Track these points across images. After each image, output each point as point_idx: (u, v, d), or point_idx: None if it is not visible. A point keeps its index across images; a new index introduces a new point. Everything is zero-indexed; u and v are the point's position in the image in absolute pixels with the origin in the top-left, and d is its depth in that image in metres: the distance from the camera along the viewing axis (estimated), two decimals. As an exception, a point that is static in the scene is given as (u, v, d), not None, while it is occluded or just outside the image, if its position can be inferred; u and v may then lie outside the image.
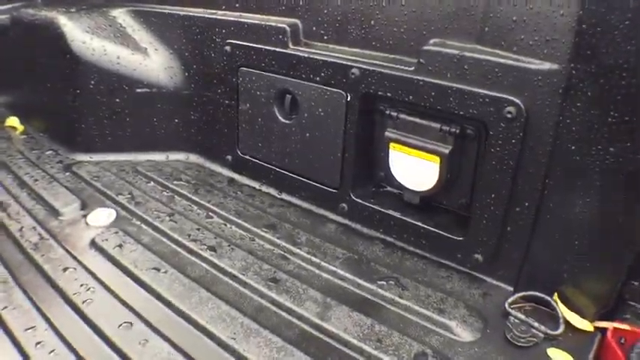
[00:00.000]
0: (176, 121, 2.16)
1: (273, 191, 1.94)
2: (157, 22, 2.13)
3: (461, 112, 1.34)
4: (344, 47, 1.64)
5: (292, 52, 1.69)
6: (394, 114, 1.50)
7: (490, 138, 1.32)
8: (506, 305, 1.30)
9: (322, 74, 1.62)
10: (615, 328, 1.22)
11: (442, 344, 1.24)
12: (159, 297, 1.41)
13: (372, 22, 1.55)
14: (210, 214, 1.82)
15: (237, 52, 1.85)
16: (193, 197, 1.91)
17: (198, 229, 1.70)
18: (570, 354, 1.18)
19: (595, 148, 1.13)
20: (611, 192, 1.15)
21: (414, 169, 1.50)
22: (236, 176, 2.06)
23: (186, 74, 2.09)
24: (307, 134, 1.73)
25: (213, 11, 1.95)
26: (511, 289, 1.39)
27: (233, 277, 1.49)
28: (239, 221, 1.76)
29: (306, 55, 1.65)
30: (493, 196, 1.35)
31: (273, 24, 1.73)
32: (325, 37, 1.68)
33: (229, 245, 1.62)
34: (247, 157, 1.98)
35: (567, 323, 1.25)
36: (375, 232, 1.67)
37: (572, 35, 1.12)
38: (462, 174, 1.46)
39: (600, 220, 1.18)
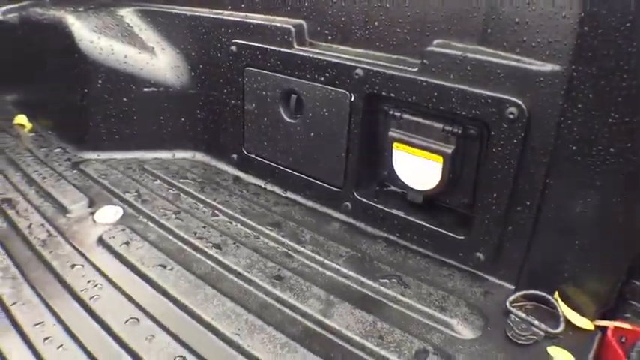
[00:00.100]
0: (182, 120, 2.17)
1: (278, 190, 1.95)
2: (164, 21, 2.13)
3: (463, 113, 1.35)
4: (348, 47, 1.64)
5: (297, 53, 1.69)
6: (398, 114, 1.51)
7: (492, 138, 1.32)
8: (508, 303, 1.30)
9: (327, 74, 1.62)
10: (616, 327, 1.23)
11: (443, 341, 1.25)
12: (165, 293, 1.42)
13: (376, 23, 1.55)
14: (215, 212, 1.82)
15: (243, 52, 1.85)
16: (199, 195, 1.91)
17: (204, 227, 1.71)
18: (570, 352, 1.18)
19: (596, 149, 1.13)
20: (611, 192, 1.15)
21: (417, 168, 1.50)
22: (241, 175, 2.07)
23: (193, 74, 2.09)
24: (312, 134, 1.74)
25: (219, 11, 1.95)
26: (512, 287, 1.40)
27: (238, 275, 1.50)
28: (244, 219, 1.76)
29: (310, 56, 1.65)
30: (495, 195, 1.36)
31: (278, 24, 1.74)
32: (330, 38, 1.68)
33: (234, 243, 1.63)
34: (253, 155, 1.99)
35: (568, 322, 1.25)
36: (379, 231, 1.67)
37: (574, 37, 1.13)
38: (464, 174, 1.46)
39: (601, 220, 1.19)
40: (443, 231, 1.51)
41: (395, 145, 1.53)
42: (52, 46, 2.28)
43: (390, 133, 1.54)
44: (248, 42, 1.83)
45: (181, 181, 2.02)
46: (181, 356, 1.22)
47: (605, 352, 1.22)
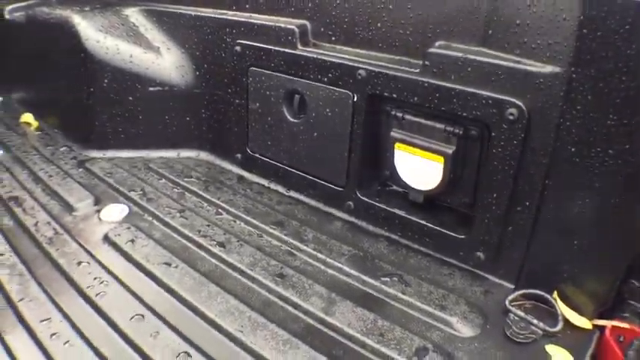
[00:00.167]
0: (187, 119, 2.18)
1: (281, 189, 1.96)
2: (169, 21, 2.14)
3: (464, 114, 1.36)
4: (351, 48, 1.65)
5: (301, 53, 1.70)
6: (400, 114, 1.51)
7: (492, 139, 1.33)
8: (507, 302, 1.31)
9: (330, 75, 1.63)
10: (614, 326, 1.23)
11: (443, 339, 1.26)
12: (170, 291, 1.43)
13: (379, 24, 1.56)
14: (219, 210, 1.83)
15: (247, 52, 1.86)
16: (203, 194, 1.92)
17: (208, 226, 1.72)
18: (569, 351, 1.19)
19: (594, 150, 1.14)
20: (610, 193, 1.16)
21: (419, 168, 1.51)
22: (245, 174, 2.08)
23: (198, 73, 2.10)
24: (315, 133, 1.75)
25: (224, 12, 1.97)
26: (512, 286, 1.41)
27: (241, 272, 1.51)
28: (248, 218, 1.77)
29: (314, 56, 1.66)
30: (495, 195, 1.36)
31: (282, 25, 1.75)
32: (333, 38, 1.69)
33: (238, 241, 1.64)
34: (256, 155, 2.00)
35: (566, 321, 1.26)
36: (380, 230, 1.68)
37: (574, 39, 1.14)
38: (465, 174, 1.46)
39: (599, 221, 1.20)
40: (444, 230, 1.52)
41: (397, 145, 1.54)
42: (58, 45, 2.29)
43: (392, 134, 1.55)
44: (252, 42, 1.84)
45: (186, 179, 2.03)
46: (185, 352, 1.23)
47: (603, 351, 1.22)
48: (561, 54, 1.20)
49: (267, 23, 1.80)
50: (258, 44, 1.83)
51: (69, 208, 1.83)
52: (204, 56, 2.07)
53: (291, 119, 1.81)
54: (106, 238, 1.66)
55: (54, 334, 1.29)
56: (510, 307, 1.30)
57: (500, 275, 1.44)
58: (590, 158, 1.16)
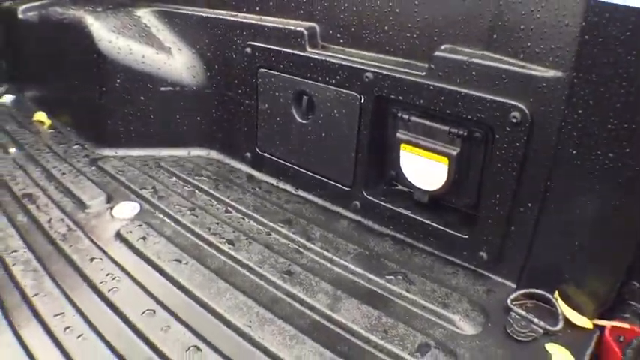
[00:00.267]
0: (198, 118, 2.19)
1: (289, 188, 1.97)
2: (181, 22, 2.16)
3: (469, 116, 1.37)
4: (359, 51, 1.66)
5: (309, 55, 1.71)
6: (405, 116, 1.53)
7: (496, 141, 1.34)
8: (509, 301, 1.32)
9: (338, 77, 1.65)
10: (613, 326, 1.25)
11: (445, 336, 1.27)
12: (180, 286, 1.45)
13: (386, 28, 1.57)
14: (229, 209, 1.85)
15: (257, 53, 1.88)
16: (213, 192, 1.93)
17: (218, 223, 1.73)
18: (568, 349, 1.21)
19: (595, 154, 1.15)
20: (610, 195, 1.17)
21: (424, 169, 1.53)
22: (255, 173, 2.09)
23: (208, 74, 2.12)
24: (323, 134, 1.76)
25: (235, 13, 1.98)
26: (514, 286, 1.42)
27: (250, 269, 1.52)
28: (257, 216, 1.78)
29: (322, 58, 1.68)
30: (498, 196, 1.38)
31: (292, 27, 1.76)
32: (341, 41, 1.71)
33: (247, 239, 1.65)
34: (266, 154, 2.01)
35: (567, 320, 1.27)
36: (386, 229, 1.69)
37: (576, 45, 1.15)
38: (469, 175, 1.48)
39: (600, 222, 1.21)
40: (448, 230, 1.53)
41: (402, 146, 1.56)
42: (71, 45, 2.30)
43: (398, 135, 1.56)
44: (262, 44, 1.86)
45: (196, 178, 2.04)
46: (195, 346, 1.24)
47: (602, 350, 1.24)
48: (564, 59, 1.21)
49: (276, 25, 1.81)
50: (267, 46, 1.84)
51: (82, 205, 1.84)
52: (214, 57, 2.08)
53: (300, 120, 1.82)
54: (118, 235, 1.67)
55: (68, 327, 1.30)
56: (512, 306, 1.31)
57: (503, 274, 1.45)
58: (591, 161, 1.17)
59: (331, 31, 1.73)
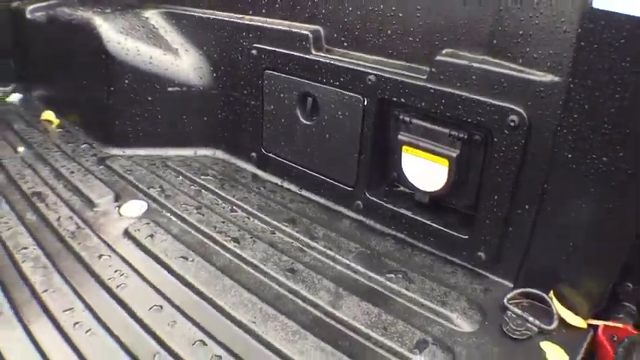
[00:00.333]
0: (204, 118, 2.20)
1: (294, 188, 1.99)
2: (188, 24, 2.16)
3: (468, 119, 1.38)
4: (362, 54, 1.67)
5: (314, 58, 1.72)
6: (407, 119, 1.54)
7: (495, 144, 1.36)
8: (505, 300, 1.34)
9: (341, 79, 1.66)
10: (606, 326, 1.26)
11: (443, 333, 1.29)
12: (186, 283, 1.46)
13: (389, 32, 1.58)
14: (234, 207, 1.86)
15: (263, 55, 1.89)
16: (219, 192, 1.95)
17: (223, 222, 1.75)
18: (562, 348, 1.22)
19: (590, 157, 1.16)
20: (604, 198, 1.18)
21: (425, 170, 1.54)
22: (260, 172, 2.10)
23: (215, 75, 2.13)
24: (327, 135, 1.78)
25: (241, 16, 1.99)
26: (511, 285, 1.44)
27: (254, 267, 1.54)
28: (261, 215, 1.80)
29: (326, 61, 1.69)
30: (496, 198, 1.39)
31: (297, 30, 1.77)
32: (345, 44, 1.72)
33: (252, 237, 1.67)
34: (271, 154, 2.02)
35: (562, 319, 1.29)
36: (387, 229, 1.71)
37: (573, 50, 1.16)
38: (468, 176, 1.49)
39: (594, 225, 1.22)
40: (447, 230, 1.54)
41: (404, 148, 1.56)
42: (79, 46, 2.31)
43: (400, 137, 1.57)
44: (268, 46, 1.87)
45: (202, 177, 2.05)
46: (201, 341, 1.26)
47: (596, 349, 1.26)
48: (561, 64, 1.23)
49: (282, 28, 1.82)
50: (273, 48, 1.85)
51: (90, 203, 1.85)
52: (221, 58, 2.09)
53: (304, 121, 1.84)
54: (126, 233, 1.68)
55: (77, 323, 1.32)
56: (508, 305, 1.33)
57: (500, 274, 1.47)
58: (586, 165, 1.18)
59: (335, 35, 1.74)
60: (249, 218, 1.81)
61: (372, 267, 1.53)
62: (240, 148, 2.17)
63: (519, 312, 1.31)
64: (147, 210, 1.84)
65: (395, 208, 1.67)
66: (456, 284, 1.47)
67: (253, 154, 2.11)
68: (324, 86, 1.73)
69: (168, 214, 1.82)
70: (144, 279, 1.49)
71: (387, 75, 1.54)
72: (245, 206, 1.86)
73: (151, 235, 1.67)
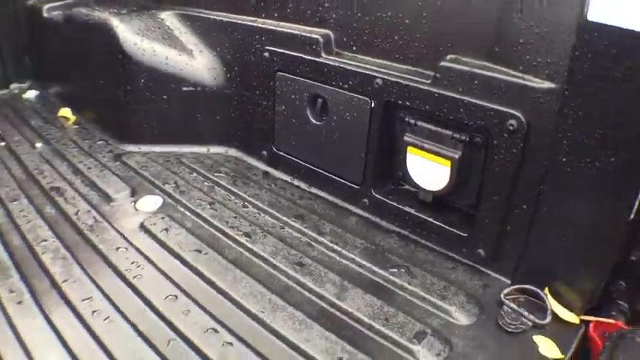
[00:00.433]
0: (217, 117, 2.22)
1: (303, 185, 2.01)
2: (202, 26, 2.18)
3: (470, 123, 1.42)
4: (370, 58, 1.69)
5: (324, 61, 1.74)
6: (412, 121, 1.56)
7: (494, 147, 1.39)
8: (502, 296, 1.37)
9: (350, 82, 1.68)
10: (598, 322, 1.29)
11: (441, 326, 1.33)
12: (200, 275, 1.51)
13: (396, 37, 1.60)
14: (246, 203, 1.89)
15: (275, 58, 1.91)
16: (231, 188, 1.97)
17: (235, 217, 1.78)
18: (554, 341, 1.26)
19: (583, 161, 1.19)
20: (597, 200, 1.21)
21: (428, 170, 1.56)
22: (270, 170, 2.12)
23: (228, 75, 2.14)
24: (335, 135, 1.80)
25: (254, 19, 2.00)
26: (509, 282, 1.46)
27: (264, 260, 1.58)
28: (272, 211, 1.83)
29: (336, 64, 1.71)
30: (495, 198, 1.42)
31: (308, 34, 1.80)
32: (354, 48, 1.74)
33: (262, 232, 1.70)
34: (281, 153, 2.05)
35: (555, 315, 1.32)
36: (392, 226, 1.73)
37: (569, 59, 1.19)
38: (469, 177, 1.51)
39: (587, 225, 1.25)
40: (449, 228, 1.57)
41: (409, 148, 1.59)
42: (96, 46, 2.33)
43: (405, 138, 1.59)
44: (280, 49, 1.89)
45: (215, 174, 2.07)
46: (213, 328, 1.31)
47: (588, 344, 1.29)
48: (557, 72, 1.25)
49: (294, 32, 1.85)
50: (285, 51, 1.87)
51: (107, 198, 1.89)
52: (234, 60, 2.10)
53: (314, 121, 1.86)
54: (142, 227, 1.73)
55: (95, 311, 1.37)
56: (505, 300, 1.36)
57: (499, 271, 1.49)
58: (579, 168, 1.21)
59: (345, 39, 1.76)
60: (260, 214, 1.83)
61: (376, 262, 1.56)
62: (252, 146, 2.19)
63: (515, 307, 1.34)
64: (162, 205, 1.87)
65: (400, 206, 1.70)
66: (456, 279, 1.50)
67: (264, 152, 2.13)
68: (334, 88, 1.75)
69: (183, 209, 1.85)
70: (159, 270, 1.53)
71: (393, 79, 1.57)
72: (256, 202, 1.89)
73: (166, 229, 1.71)
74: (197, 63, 2.19)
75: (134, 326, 1.34)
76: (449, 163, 1.51)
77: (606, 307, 1.36)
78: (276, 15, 1.95)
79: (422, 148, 1.57)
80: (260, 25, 1.98)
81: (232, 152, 2.28)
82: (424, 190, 1.62)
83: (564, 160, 1.24)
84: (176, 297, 1.43)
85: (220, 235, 1.71)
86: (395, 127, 1.67)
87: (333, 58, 1.76)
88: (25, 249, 1.64)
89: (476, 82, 1.40)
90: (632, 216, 1.19)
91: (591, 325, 1.30)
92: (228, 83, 2.17)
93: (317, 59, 1.78)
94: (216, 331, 1.32)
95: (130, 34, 2.17)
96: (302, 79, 1.86)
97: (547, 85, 1.29)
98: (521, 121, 1.33)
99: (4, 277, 1.51)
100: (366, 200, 1.80)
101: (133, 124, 2.30)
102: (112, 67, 2.25)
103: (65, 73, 2.76)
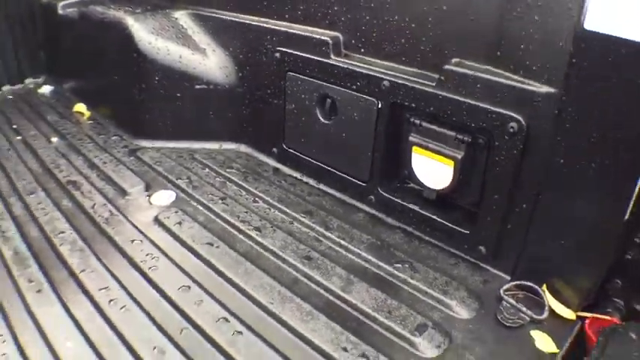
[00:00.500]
0: (229, 115, 2.25)
1: (312, 181, 2.04)
2: (215, 26, 2.20)
3: (472, 124, 1.45)
4: (378, 60, 1.72)
5: (333, 62, 1.77)
6: (417, 122, 1.59)
7: (496, 148, 1.41)
8: (501, 291, 1.41)
9: (358, 83, 1.71)
10: (593, 318, 1.33)
11: (442, 319, 1.37)
12: (212, 267, 1.55)
13: (403, 40, 1.63)
14: (256, 199, 1.92)
15: (286, 58, 1.94)
16: (243, 184, 2.01)
17: (246, 212, 1.81)
18: (550, 336, 1.29)
19: (580, 163, 1.23)
20: (593, 201, 1.24)
21: (433, 169, 1.59)
22: (280, 166, 2.16)
23: (240, 74, 2.18)
24: (343, 134, 1.83)
25: (266, 20, 2.03)
26: (508, 278, 1.49)
27: (274, 254, 1.61)
28: (281, 206, 1.86)
29: (345, 66, 1.74)
30: (496, 197, 1.45)
31: (318, 36, 1.83)
32: (362, 50, 1.77)
33: (272, 227, 1.74)
34: (291, 150, 2.08)
35: (552, 311, 1.35)
36: (397, 222, 1.77)
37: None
38: (472, 176, 1.53)
39: (584, 225, 1.28)
40: (452, 225, 1.59)
41: (414, 148, 1.62)
42: (111, 44, 2.36)
43: (411, 138, 1.62)
44: (291, 50, 1.92)
45: (227, 170, 2.11)
46: (224, 318, 1.36)
47: (584, 339, 1.32)
48: (556, 77, 1.28)
49: (304, 34, 1.88)
50: (295, 52, 1.90)
51: (122, 192, 1.94)
52: (246, 59, 2.14)
53: (323, 120, 1.89)
54: (156, 220, 1.77)
55: (112, 300, 1.42)
56: (504, 296, 1.40)
57: (499, 267, 1.53)
58: (576, 169, 1.24)
59: (354, 41, 1.79)
60: (270, 209, 1.87)
61: (381, 257, 1.59)
62: (263, 143, 2.22)
63: (513, 302, 1.38)
64: (175, 199, 1.91)
65: (405, 204, 1.72)
66: (458, 275, 1.53)
67: (275, 149, 2.16)
68: (342, 89, 1.78)
69: (195, 204, 1.89)
70: (173, 262, 1.57)
71: (399, 81, 1.59)
72: (266, 198, 1.92)
73: (180, 223, 1.75)
74: (210, 62, 2.22)
75: (149, 315, 1.38)
76: (452, 162, 1.54)
77: (603, 304, 1.39)
78: (287, 17, 1.98)
79: (426, 148, 1.60)
80: (272, 27, 2.01)
81: (243, 149, 2.31)
82: (428, 188, 1.64)
83: (562, 161, 1.27)
84: (189, 288, 1.47)
85: (232, 229, 1.75)
86: (401, 128, 1.69)
87: (342, 59, 1.79)
88: (43, 240, 1.68)
89: (478, 85, 1.42)
90: (626, 217, 1.23)
91: (587, 321, 1.34)
92: (240, 82, 2.20)
93: (326, 60, 1.81)
94: (227, 320, 1.36)
95: (144, 33, 2.20)
96: (312, 80, 1.88)
97: (546, 89, 1.32)
98: (521, 124, 1.35)
99: (22, 267, 1.55)
100: (372, 197, 1.83)
101: (147, 120, 2.33)
102: (127, 65, 2.28)
103: (80, 69, 2.80)
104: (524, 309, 1.36)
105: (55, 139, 2.38)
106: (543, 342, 1.29)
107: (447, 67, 1.50)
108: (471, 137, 1.50)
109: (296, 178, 2.10)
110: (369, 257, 1.61)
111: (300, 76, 1.93)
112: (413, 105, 1.59)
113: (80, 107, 2.70)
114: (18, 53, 3.07)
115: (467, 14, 1.48)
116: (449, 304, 1.42)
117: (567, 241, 1.34)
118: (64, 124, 2.53)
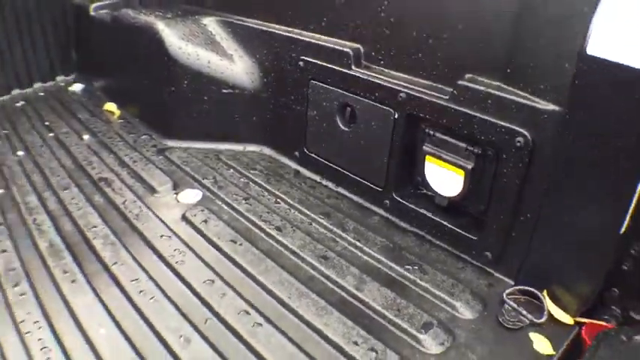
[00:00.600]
0: (254, 118, 2.30)
1: (331, 185, 2.09)
2: (242, 33, 2.25)
3: (482, 137, 1.49)
4: (396, 72, 1.76)
5: (354, 73, 1.82)
6: (431, 132, 1.64)
7: (503, 160, 1.46)
8: (504, 295, 1.45)
9: (376, 94, 1.76)
10: (590, 323, 1.37)
11: (447, 318, 1.42)
12: (235, 263, 1.61)
13: (420, 55, 1.68)
14: (278, 200, 1.98)
15: (309, 67, 1.99)
16: (265, 185, 2.06)
17: (268, 212, 1.87)
18: (548, 339, 1.34)
19: (581, 177, 1.27)
20: (592, 212, 1.28)
21: (444, 178, 1.64)
22: (301, 169, 2.20)
23: (265, 80, 2.23)
24: (362, 141, 1.88)
25: (291, 29, 2.08)
26: (512, 283, 1.53)
27: (293, 252, 1.67)
28: (301, 208, 1.91)
29: (364, 77, 1.79)
30: (502, 206, 1.50)
31: (340, 47, 1.87)
32: (382, 62, 1.81)
33: (292, 227, 1.79)
34: (312, 154, 2.13)
35: (551, 315, 1.40)
36: (410, 226, 1.81)
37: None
38: (480, 186, 1.57)
39: (583, 234, 1.32)
40: (461, 231, 1.64)
41: (427, 157, 1.67)
42: (142, 48, 2.41)
43: (424, 147, 1.67)
44: (314, 60, 1.97)
45: (251, 171, 2.16)
46: (245, 310, 1.43)
47: (581, 343, 1.35)
48: (562, 96, 1.31)
49: (327, 44, 1.92)
50: (318, 62, 1.95)
51: (152, 190, 2.01)
52: (271, 66, 2.18)
53: (343, 127, 1.94)
54: (184, 218, 1.83)
55: (141, 291, 1.49)
56: (506, 299, 1.44)
57: (503, 272, 1.57)
58: (577, 184, 1.29)
59: (374, 53, 1.83)
60: (290, 210, 1.92)
61: (393, 258, 1.64)
62: (285, 146, 2.27)
63: (515, 306, 1.43)
64: (202, 198, 1.97)
65: (417, 209, 1.77)
66: (464, 278, 1.58)
67: (296, 152, 2.21)
68: (362, 99, 1.83)
69: (220, 203, 1.95)
70: (199, 257, 1.64)
71: (415, 93, 1.64)
72: (287, 199, 1.97)
73: (205, 221, 1.81)
74: (236, 67, 2.27)
75: (176, 305, 1.45)
76: (463, 172, 1.59)
77: (601, 310, 1.42)
78: (312, 27, 2.03)
79: (439, 158, 1.65)
80: (297, 36, 2.06)
81: (267, 151, 2.36)
82: (440, 195, 1.69)
83: (564, 175, 1.32)
84: (213, 281, 1.53)
85: (254, 228, 1.80)
86: (415, 137, 1.74)
87: (362, 70, 1.83)
88: (76, 234, 1.76)
89: (489, 100, 1.47)
90: (622, 230, 1.28)
91: (584, 326, 1.38)
92: (265, 88, 2.25)
93: (348, 71, 1.85)
94: (247, 313, 1.43)
95: (175, 38, 2.25)
96: (333, 88, 1.93)
97: (552, 107, 1.37)
98: (528, 139, 1.40)
99: (57, 259, 1.63)
100: (387, 202, 1.87)
101: (175, 121, 2.40)
102: (157, 68, 2.33)
103: (110, 69, 2.85)
104: (524, 312, 1.41)
105: (86, 137, 2.44)
106: (541, 344, 1.34)
107: (460, 82, 1.54)
108: (480, 149, 1.55)
109: (316, 181, 2.14)
110: (382, 258, 1.65)
111: (322, 84, 1.97)
112: (427, 117, 1.64)
113: (110, 106, 2.75)
114: (50, 52, 3.12)
115: (480, 32, 1.52)
116: (454, 305, 1.47)
117: (568, 250, 1.38)
118: (94, 122, 2.59)
